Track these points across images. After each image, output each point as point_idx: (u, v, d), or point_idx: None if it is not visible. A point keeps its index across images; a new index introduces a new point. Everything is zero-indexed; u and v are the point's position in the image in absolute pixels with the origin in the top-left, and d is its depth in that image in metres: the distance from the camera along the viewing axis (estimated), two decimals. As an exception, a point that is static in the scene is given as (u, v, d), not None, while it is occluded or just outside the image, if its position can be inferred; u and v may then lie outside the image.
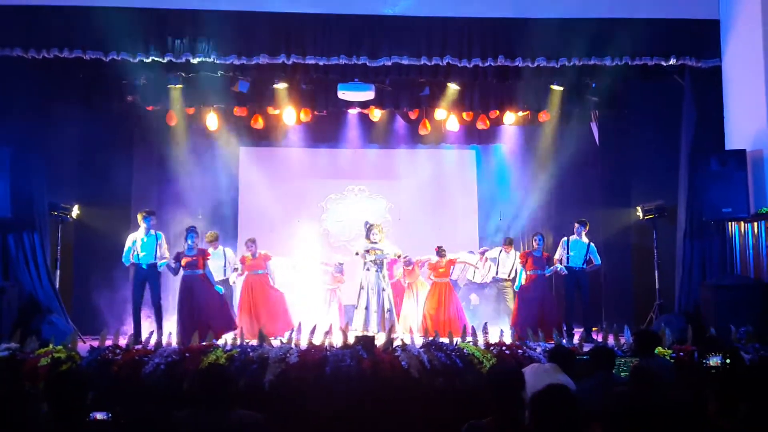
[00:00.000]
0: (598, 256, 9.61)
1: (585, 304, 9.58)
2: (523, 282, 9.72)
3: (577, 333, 9.32)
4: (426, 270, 10.41)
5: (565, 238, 9.62)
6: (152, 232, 9.10)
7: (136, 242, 9.05)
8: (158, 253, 9.06)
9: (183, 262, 8.99)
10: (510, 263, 10.73)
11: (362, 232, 10.24)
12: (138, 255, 9.03)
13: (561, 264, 9.52)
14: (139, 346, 7.36)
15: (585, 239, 9.57)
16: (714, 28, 9.21)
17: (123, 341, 7.65)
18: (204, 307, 8.85)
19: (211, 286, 9.06)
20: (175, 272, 9.23)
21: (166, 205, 11.54)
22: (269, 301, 9.75)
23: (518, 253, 10.36)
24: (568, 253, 9.51)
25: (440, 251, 10.16)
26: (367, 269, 9.75)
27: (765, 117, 8.40)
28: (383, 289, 9.70)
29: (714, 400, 4.05)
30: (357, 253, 10.00)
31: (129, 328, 9.15)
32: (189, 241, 9.01)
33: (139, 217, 9.20)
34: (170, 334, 8.12)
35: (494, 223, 12.74)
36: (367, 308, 9.58)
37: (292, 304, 10.26)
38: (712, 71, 9.26)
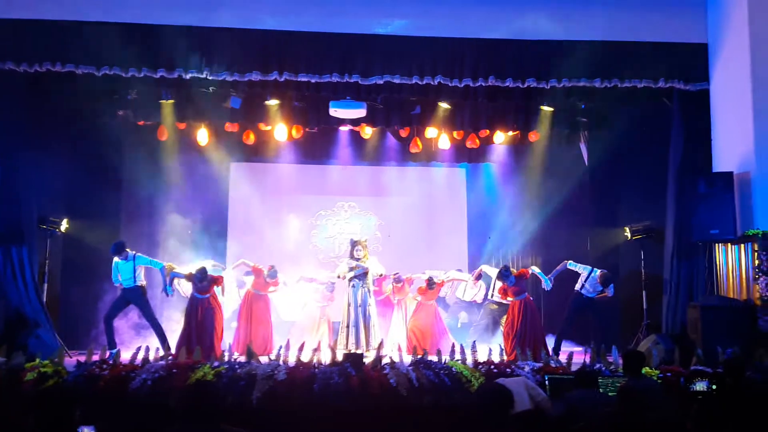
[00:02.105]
0: (613, 290, 9.59)
1: (600, 326, 9.65)
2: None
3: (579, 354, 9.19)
4: (414, 290, 10.43)
5: (591, 268, 9.57)
6: (129, 254, 9.17)
7: (116, 265, 9.22)
8: (137, 275, 9.15)
9: (192, 287, 9.12)
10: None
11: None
12: (118, 278, 9.19)
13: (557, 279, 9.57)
14: (127, 360, 7.31)
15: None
16: (702, 51, 9.34)
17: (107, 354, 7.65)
18: (202, 326, 8.89)
19: (215, 309, 9.09)
20: (170, 282, 9.33)
21: (156, 219, 11.54)
22: (263, 322, 9.86)
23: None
24: (585, 280, 9.55)
25: (431, 283, 10.15)
26: (352, 286, 9.74)
27: (752, 140, 8.49)
28: (369, 305, 9.68)
29: (701, 420, 4.07)
30: (339, 276, 10.00)
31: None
32: (200, 283, 9.02)
33: None
34: (157, 349, 8.09)
35: (483, 241, 12.79)
36: (355, 325, 9.55)
37: (282, 321, 10.28)
38: (700, 94, 9.37)
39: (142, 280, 9.19)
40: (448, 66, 9.13)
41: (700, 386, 5.54)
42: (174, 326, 9.83)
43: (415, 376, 6.73)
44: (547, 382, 6.18)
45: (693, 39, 9.35)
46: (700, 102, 9.37)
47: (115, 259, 9.18)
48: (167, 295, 9.33)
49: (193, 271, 9.15)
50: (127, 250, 9.17)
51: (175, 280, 9.51)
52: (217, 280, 9.20)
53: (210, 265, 9.70)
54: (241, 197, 12.60)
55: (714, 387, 5.17)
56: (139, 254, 9.23)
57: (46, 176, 9.57)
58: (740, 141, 8.72)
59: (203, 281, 9.00)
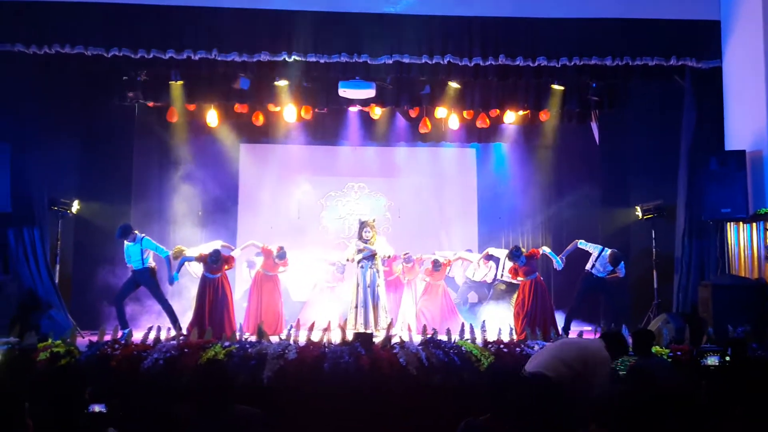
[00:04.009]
0: (624, 270, 9.53)
1: (610, 306, 9.62)
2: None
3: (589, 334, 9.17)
4: (422, 271, 10.45)
5: (601, 248, 9.49)
6: (137, 236, 9.19)
7: (126, 247, 9.26)
8: (145, 257, 9.16)
9: (204, 268, 9.19)
10: None
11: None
12: (129, 259, 9.22)
13: (561, 262, 9.51)
14: (138, 340, 7.36)
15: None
16: (715, 29, 9.21)
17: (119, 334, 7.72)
18: (214, 306, 8.97)
19: (226, 289, 9.15)
20: (178, 268, 9.36)
21: (166, 201, 11.60)
22: (273, 302, 9.90)
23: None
24: (595, 260, 9.50)
25: (436, 265, 10.17)
26: (361, 267, 9.76)
27: (765, 118, 8.41)
28: (378, 285, 9.71)
29: (710, 398, 4.07)
30: (348, 259, 10.01)
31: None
32: (213, 265, 9.09)
33: None
34: (169, 329, 8.17)
35: (494, 221, 12.78)
36: (364, 306, 9.58)
37: (292, 301, 10.32)
38: (712, 72, 9.26)
39: (151, 262, 9.22)
40: (457, 45, 9.03)
41: (712, 360, 5.56)
42: (185, 306, 9.90)
43: (425, 356, 6.74)
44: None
45: (705, 16, 9.21)
46: (713, 80, 9.27)
47: (126, 241, 9.22)
48: (170, 284, 9.36)
49: (204, 253, 9.20)
50: (135, 232, 9.19)
51: (186, 263, 9.56)
52: (228, 261, 9.25)
53: (219, 246, 9.73)
54: (250, 178, 12.64)
55: (727, 360, 5.18)
56: (146, 237, 9.25)
57: (57, 158, 9.63)
58: (753, 119, 8.63)
59: (217, 263, 9.06)
